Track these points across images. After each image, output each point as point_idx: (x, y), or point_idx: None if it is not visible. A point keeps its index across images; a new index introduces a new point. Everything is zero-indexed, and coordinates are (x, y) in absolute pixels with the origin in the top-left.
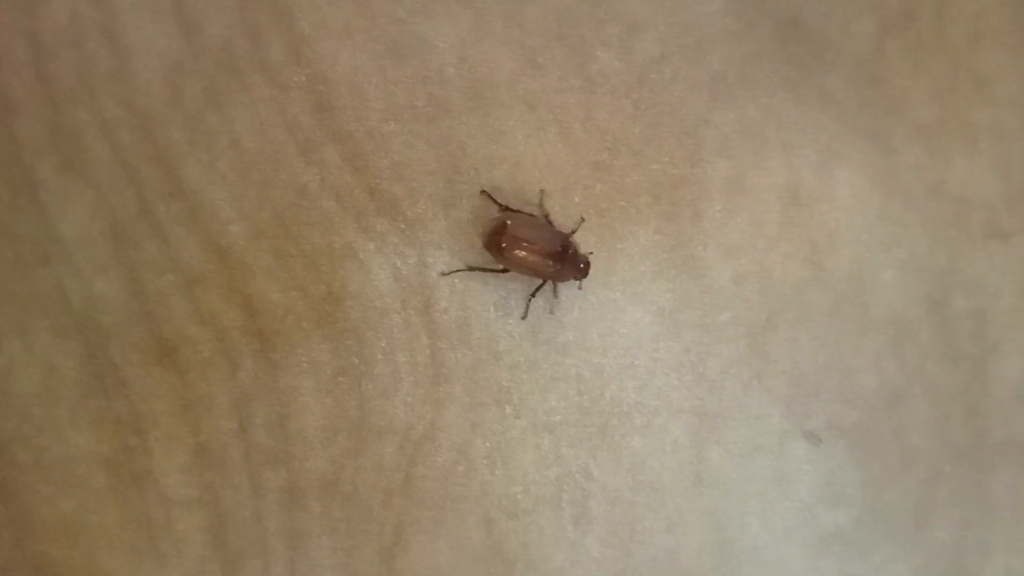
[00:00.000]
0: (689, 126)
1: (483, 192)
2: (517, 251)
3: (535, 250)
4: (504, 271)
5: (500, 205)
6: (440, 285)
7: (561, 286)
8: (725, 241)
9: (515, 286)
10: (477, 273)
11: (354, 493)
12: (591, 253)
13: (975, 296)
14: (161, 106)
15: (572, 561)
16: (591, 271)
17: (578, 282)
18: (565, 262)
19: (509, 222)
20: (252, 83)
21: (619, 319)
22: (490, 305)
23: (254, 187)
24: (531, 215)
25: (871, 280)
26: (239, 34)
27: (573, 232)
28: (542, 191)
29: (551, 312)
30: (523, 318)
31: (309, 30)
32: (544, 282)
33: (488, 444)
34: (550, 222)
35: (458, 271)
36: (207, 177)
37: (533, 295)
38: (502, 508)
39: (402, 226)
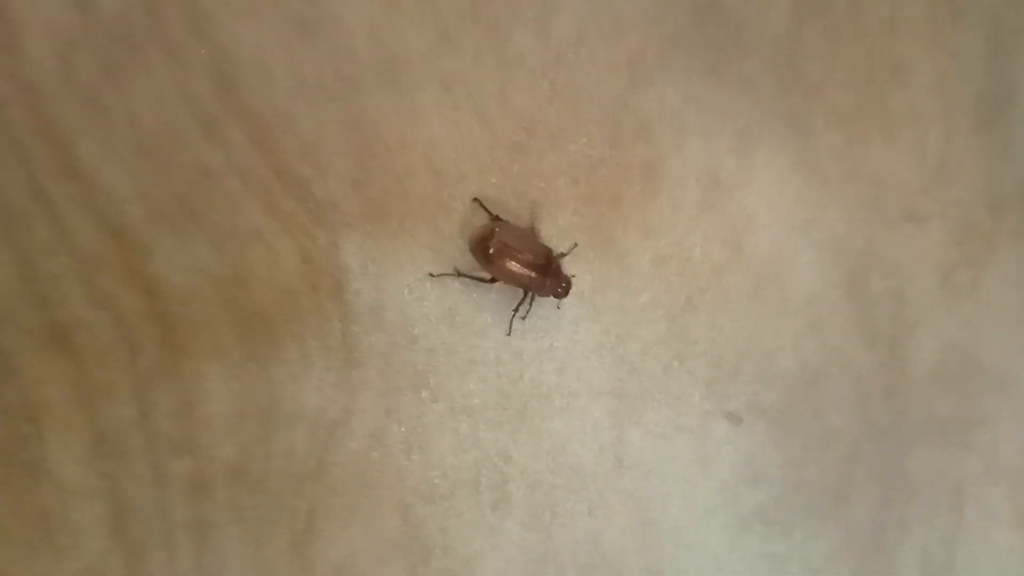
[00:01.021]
0: (607, 108)
1: (475, 200)
2: (503, 258)
3: (521, 260)
4: (492, 281)
5: (491, 213)
6: (352, 267)
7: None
8: (644, 223)
9: (430, 269)
10: (389, 254)
11: (263, 481)
12: (574, 276)
13: (892, 278)
14: (53, 82)
15: (492, 545)
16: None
17: (557, 301)
18: (548, 276)
19: (498, 229)
20: (150, 59)
21: (538, 301)
22: (404, 288)
23: (153, 167)
24: (520, 227)
25: (790, 262)
26: (136, 7)
27: (563, 255)
28: (533, 201)
29: (523, 318)
30: (507, 335)
31: (211, 4)
32: (525, 296)
33: (404, 429)
34: (536, 234)
35: (446, 275)
36: (103, 156)
37: (516, 309)
38: (419, 493)
39: (311, 207)
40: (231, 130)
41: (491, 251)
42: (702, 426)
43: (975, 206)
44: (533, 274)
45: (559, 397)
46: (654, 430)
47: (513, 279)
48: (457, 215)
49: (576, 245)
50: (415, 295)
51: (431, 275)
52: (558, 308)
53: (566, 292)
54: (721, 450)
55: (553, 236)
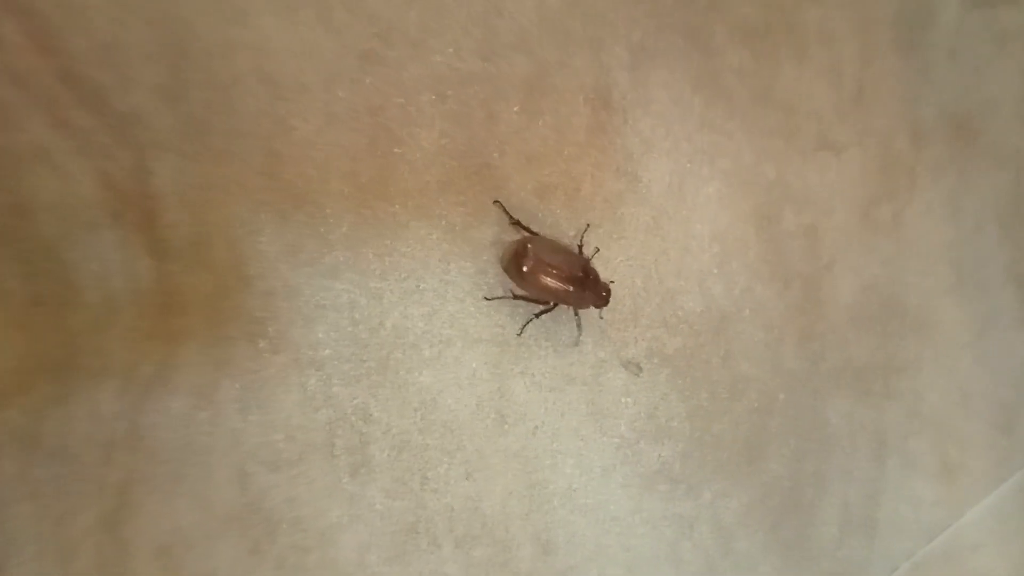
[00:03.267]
0: (477, 14)
1: (496, 202)
2: (539, 275)
3: (556, 274)
4: (549, 303)
5: (512, 218)
6: (166, 194)
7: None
8: (525, 148)
9: (265, 198)
10: (215, 180)
11: (62, 449)
12: (612, 282)
13: (806, 212)
14: None
15: (351, 516)
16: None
17: (599, 310)
18: (586, 288)
19: (531, 245)
20: None
21: (400, 236)
22: (235, 220)
23: None
24: (551, 239)
25: (693, 193)
26: None
27: (590, 259)
28: (587, 226)
29: (575, 344)
30: (518, 334)
31: None
32: (554, 305)
33: (238, 385)
34: (581, 251)
35: (500, 298)
36: None
37: (538, 315)
38: (260, 459)
39: (112, 122)
40: (3, 26)
41: (525, 269)
42: (596, 376)
43: (896, 135)
44: (571, 288)
45: (428, 346)
46: (541, 381)
47: (551, 294)
48: (299, 134)
49: (598, 250)
50: (247, 228)
51: (485, 299)
52: (601, 318)
53: (607, 301)
54: (619, 403)
55: (417, 161)
